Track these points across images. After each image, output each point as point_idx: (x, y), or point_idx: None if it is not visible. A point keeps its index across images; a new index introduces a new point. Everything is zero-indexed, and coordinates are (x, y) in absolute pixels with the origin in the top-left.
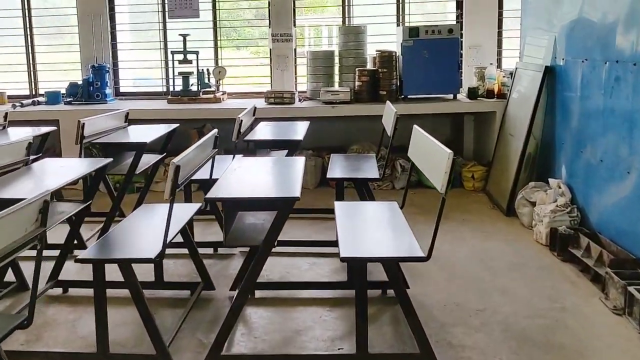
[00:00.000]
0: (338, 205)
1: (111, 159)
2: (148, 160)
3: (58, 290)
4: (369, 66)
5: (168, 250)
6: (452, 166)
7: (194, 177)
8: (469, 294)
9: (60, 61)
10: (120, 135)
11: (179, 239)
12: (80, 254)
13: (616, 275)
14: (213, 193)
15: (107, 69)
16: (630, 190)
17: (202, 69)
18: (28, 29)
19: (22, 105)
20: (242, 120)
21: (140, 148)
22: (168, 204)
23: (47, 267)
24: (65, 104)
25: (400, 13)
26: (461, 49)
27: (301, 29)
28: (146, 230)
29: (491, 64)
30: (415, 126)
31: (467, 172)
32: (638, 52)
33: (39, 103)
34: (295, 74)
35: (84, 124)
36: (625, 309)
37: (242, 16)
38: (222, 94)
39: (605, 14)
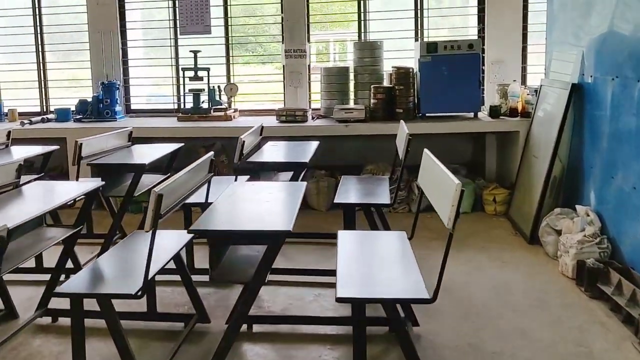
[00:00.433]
0: (342, 236)
1: (102, 182)
2: (151, 180)
3: (47, 319)
4: (385, 83)
5: (165, 277)
6: (461, 198)
7: (188, 201)
8: (484, 334)
9: (72, 78)
10: (121, 155)
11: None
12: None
13: None
14: (199, 223)
15: (118, 86)
16: None
17: (213, 86)
18: (40, 46)
19: (30, 123)
20: (244, 141)
21: (140, 169)
22: (165, 230)
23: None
24: (74, 121)
25: (419, 28)
26: (483, 65)
27: (316, 45)
28: (133, 260)
29: (514, 80)
30: (425, 150)
31: (489, 195)
32: None
33: (48, 120)
34: (310, 90)
35: (81, 144)
36: None
37: (255, 32)
38: (234, 112)
39: (638, 27)
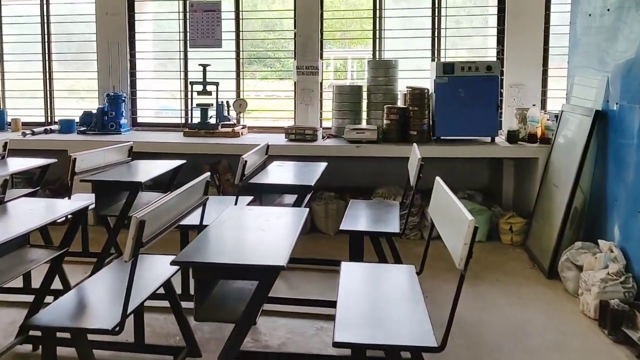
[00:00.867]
0: (345, 268)
1: (92, 201)
2: (149, 198)
3: (28, 347)
4: (399, 103)
5: (158, 303)
6: (474, 237)
7: (185, 223)
8: None
9: (79, 89)
10: (118, 171)
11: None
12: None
13: None
14: (184, 254)
15: (124, 98)
16: None
17: (222, 101)
18: (47, 55)
19: (32, 133)
20: (246, 161)
21: (135, 187)
22: (157, 255)
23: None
24: (78, 133)
25: (436, 47)
26: (501, 88)
27: (334, 62)
28: (120, 287)
29: (534, 105)
30: (437, 179)
31: (505, 224)
32: None
33: (51, 131)
34: (321, 109)
35: (74, 158)
36: None
37: (274, 47)
38: (242, 128)
39: None
